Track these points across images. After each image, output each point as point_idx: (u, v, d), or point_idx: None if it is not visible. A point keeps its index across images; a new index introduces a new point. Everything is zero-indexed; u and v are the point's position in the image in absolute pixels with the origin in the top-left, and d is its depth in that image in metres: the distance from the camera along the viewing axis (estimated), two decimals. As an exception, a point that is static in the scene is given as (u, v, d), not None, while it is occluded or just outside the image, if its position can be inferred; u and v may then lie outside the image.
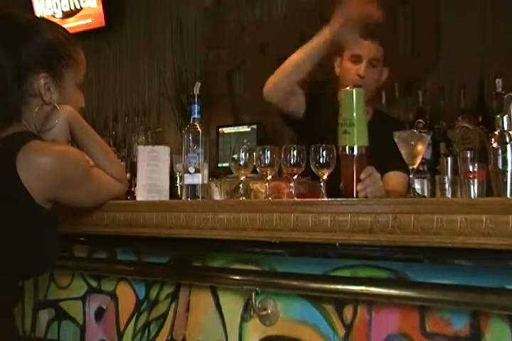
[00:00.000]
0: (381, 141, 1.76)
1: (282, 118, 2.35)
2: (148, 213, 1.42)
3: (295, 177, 1.51)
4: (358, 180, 1.61)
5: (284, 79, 2.08)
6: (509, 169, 1.32)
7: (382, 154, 1.80)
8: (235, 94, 3.88)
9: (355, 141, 1.59)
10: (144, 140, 3.56)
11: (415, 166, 1.42)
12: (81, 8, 4.43)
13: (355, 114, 1.58)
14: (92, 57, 4.23)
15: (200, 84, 1.64)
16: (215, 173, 2.89)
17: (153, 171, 1.66)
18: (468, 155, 1.47)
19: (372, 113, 2.26)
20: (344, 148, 1.56)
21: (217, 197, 1.78)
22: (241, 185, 1.56)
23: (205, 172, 1.57)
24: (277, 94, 2.10)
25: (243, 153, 1.53)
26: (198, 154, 1.56)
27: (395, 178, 2.06)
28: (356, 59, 2.22)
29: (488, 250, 0.99)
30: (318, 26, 3.45)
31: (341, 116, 1.58)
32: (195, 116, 1.60)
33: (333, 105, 1.67)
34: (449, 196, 1.64)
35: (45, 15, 4.40)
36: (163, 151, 1.68)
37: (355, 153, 1.58)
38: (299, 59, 2.04)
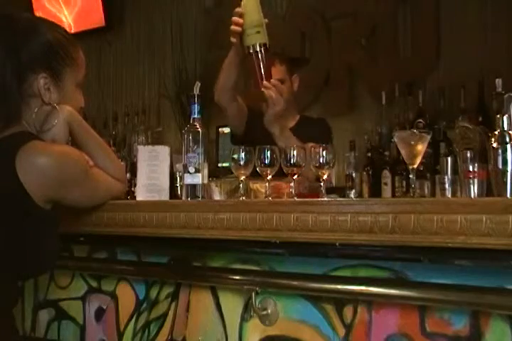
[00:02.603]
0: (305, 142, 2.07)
1: (230, 138, 2.64)
2: (148, 213, 1.42)
3: (295, 177, 1.51)
4: (267, 77, 1.97)
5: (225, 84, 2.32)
6: (509, 169, 1.32)
7: None
8: (235, 94, 3.87)
9: (266, 38, 1.93)
10: (144, 140, 3.56)
11: (415, 166, 1.42)
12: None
13: (261, 15, 1.93)
14: (92, 57, 4.24)
15: (200, 84, 1.64)
16: (215, 173, 2.89)
17: (153, 171, 1.66)
18: (468, 155, 1.47)
19: (298, 119, 2.56)
20: (256, 46, 1.91)
21: (217, 197, 1.78)
22: (241, 185, 1.56)
23: (205, 172, 1.57)
24: (224, 97, 2.37)
25: (243, 153, 1.53)
26: (198, 154, 1.56)
27: None
28: None
29: (488, 250, 0.99)
30: (318, 26, 3.47)
31: (250, 19, 1.93)
32: (195, 116, 1.60)
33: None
34: (449, 196, 1.64)
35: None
36: (163, 151, 1.68)
37: (266, 48, 1.91)
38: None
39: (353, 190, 2.92)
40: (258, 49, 1.95)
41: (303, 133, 2.34)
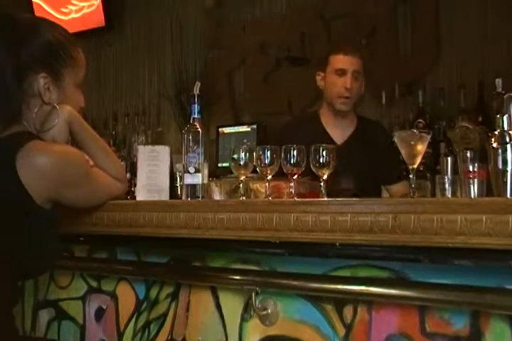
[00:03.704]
0: (370, 144, 2.03)
1: None
2: (148, 213, 1.42)
3: (295, 177, 1.51)
4: None
5: None
6: (509, 169, 1.32)
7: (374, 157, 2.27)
8: (235, 94, 3.88)
9: None
10: (144, 140, 3.57)
11: (415, 166, 1.42)
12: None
13: None
14: (92, 57, 4.23)
15: (200, 84, 1.64)
16: (215, 173, 2.89)
17: (153, 171, 1.66)
18: (468, 155, 1.47)
19: (356, 120, 2.51)
20: None
21: (217, 197, 1.78)
22: (241, 185, 1.56)
23: (205, 172, 1.57)
24: None
25: (243, 153, 1.53)
26: (198, 154, 1.56)
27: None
28: (341, 72, 2.43)
29: (488, 250, 0.99)
30: (318, 26, 3.47)
31: None
32: (195, 116, 1.60)
33: None
34: (449, 196, 1.64)
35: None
36: (163, 151, 1.68)
37: None
38: None
39: (353, 190, 2.91)
40: None
41: (366, 136, 2.40)
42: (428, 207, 1.05)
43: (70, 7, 4.44)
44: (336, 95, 2.42)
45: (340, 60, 2.45)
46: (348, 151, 2.08)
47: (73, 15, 4.42)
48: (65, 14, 4.44)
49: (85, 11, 4.37)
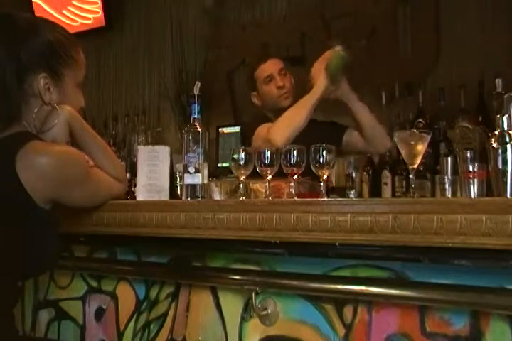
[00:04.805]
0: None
1: None
2: (148, 213, 1.42)
3: (295, 177, 1.51)
4: None
5: (294, 134, 2.25)
6: (509, 169, 1.32)
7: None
8: (235, 94, 3.88)
9: None
10: (144, 140, 3.56)
11: (415, 166, 1.42)
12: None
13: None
14: (92, 57, 4.24)
15: (200, 84, 1.64)
16: (215, 173, 2.89)
17: (153, 171, 1.66)
18: (468, 155, 1.47)
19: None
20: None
21: (217, 197, 1.78)
22: (241, 185, 1.56)
23: (205, 172, 1.57)
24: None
25: (243, 153, 1.53)
26: (198, 154, 1.56)
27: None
28: (269, 79, 2.54)
29: (488, 250, 0.99)
30: (318, 26, 3.47)
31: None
32: (195, 116, 1.60)
33: None
34: (449, 196, 1.64)
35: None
36: (163, 151, 1.68)
37: None
38: (305, 116, 2.31)
39: (353, 190, 2.92)
40: None
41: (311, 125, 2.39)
42: (428, 207, 1.05)
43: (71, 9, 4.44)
44: (276, 98, 2.51)
45: (263, 68, 2.57)
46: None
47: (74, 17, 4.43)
48: (66, 17, 4.45)
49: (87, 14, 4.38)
